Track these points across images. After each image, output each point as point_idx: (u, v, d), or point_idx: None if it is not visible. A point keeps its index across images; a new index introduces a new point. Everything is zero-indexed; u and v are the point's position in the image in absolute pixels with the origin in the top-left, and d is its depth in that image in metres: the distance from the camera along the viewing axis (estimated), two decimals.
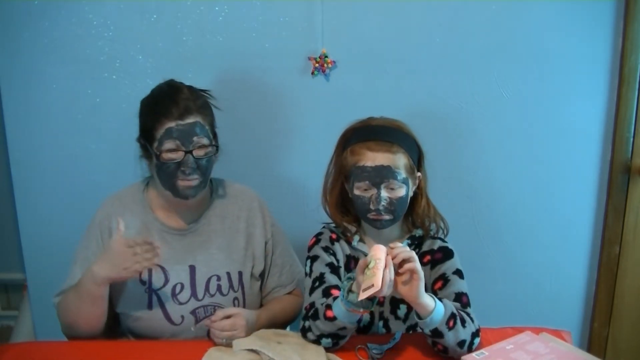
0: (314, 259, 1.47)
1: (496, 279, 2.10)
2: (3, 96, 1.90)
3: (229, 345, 1.37)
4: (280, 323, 1.56)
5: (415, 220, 1.50)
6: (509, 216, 2.07)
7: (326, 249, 1.48)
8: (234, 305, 1.55)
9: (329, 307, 1.33)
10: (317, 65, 1.88)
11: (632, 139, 2.02)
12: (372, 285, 1.20)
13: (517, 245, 2.09)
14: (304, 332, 1.36)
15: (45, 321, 2.00)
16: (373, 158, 1.38)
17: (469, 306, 1.40)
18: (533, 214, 2.07)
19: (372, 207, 1.38)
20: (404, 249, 1.27)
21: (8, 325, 2.22)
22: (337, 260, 1.48)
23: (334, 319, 1.30)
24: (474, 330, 1.33)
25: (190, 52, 1.88)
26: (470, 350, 1.32)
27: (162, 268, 1.51)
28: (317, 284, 1.42)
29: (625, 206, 2.08)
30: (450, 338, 1.29)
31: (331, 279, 1.43)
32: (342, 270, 1.47)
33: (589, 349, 2.17)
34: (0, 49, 1.86)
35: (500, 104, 1.96)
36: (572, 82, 1.96)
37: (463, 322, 1.31)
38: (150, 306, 1.50)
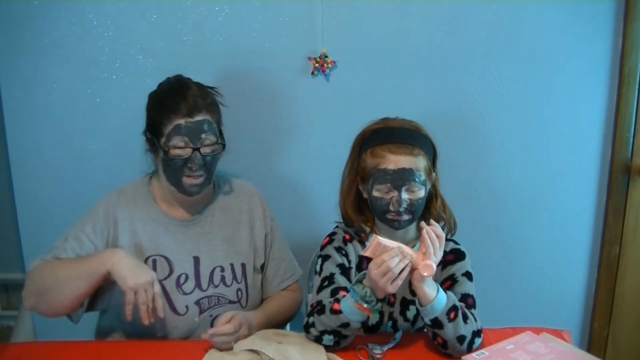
0: (325, 258, 1.47)
1: (496, 279, 2.10)
2: (3, 96, 1.90)
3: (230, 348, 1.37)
4: (279, 320, 1.57)
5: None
6: (509, 216, 2.07)
7: (339, 250, 1.48)
8: (237, 297, 1.57)
9: (336, 300, 1.33)
10: (317, 65, 1.88)
11: (632, 139, 2.02)
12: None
13: (517, 245, 2.09)
14: (307, 327, 1.37)
15: (45, 321, 1.99)
16: (395, 161, 1.37)
17: (474, 308, 1.40)
18: (533, 214, 2.07)
19: (392, 208, 1.38)
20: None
21: (8, 325, 2.22)
22: (349, 261, 1.48)
23: (339, 312, 1.31)
24: (475, 329, 1.33)
25: (190, 52, 1.88)
26: (470, 349, 1.32)
27: (166, 258, 1.52)
28: (326, 283, 1.42)
29: (625, 206, 2.08)
30: (450, 330, 1.29)
31: (340, 280, 1.43)
32: (353, 271, 1.47)
33: (589, 349, 2.17)
34: (1, 49, 1.86)
35: (500, 104, 1.96)
36: (572, 82, 1.96)
37: (465, 317, 1.32)
38: None
